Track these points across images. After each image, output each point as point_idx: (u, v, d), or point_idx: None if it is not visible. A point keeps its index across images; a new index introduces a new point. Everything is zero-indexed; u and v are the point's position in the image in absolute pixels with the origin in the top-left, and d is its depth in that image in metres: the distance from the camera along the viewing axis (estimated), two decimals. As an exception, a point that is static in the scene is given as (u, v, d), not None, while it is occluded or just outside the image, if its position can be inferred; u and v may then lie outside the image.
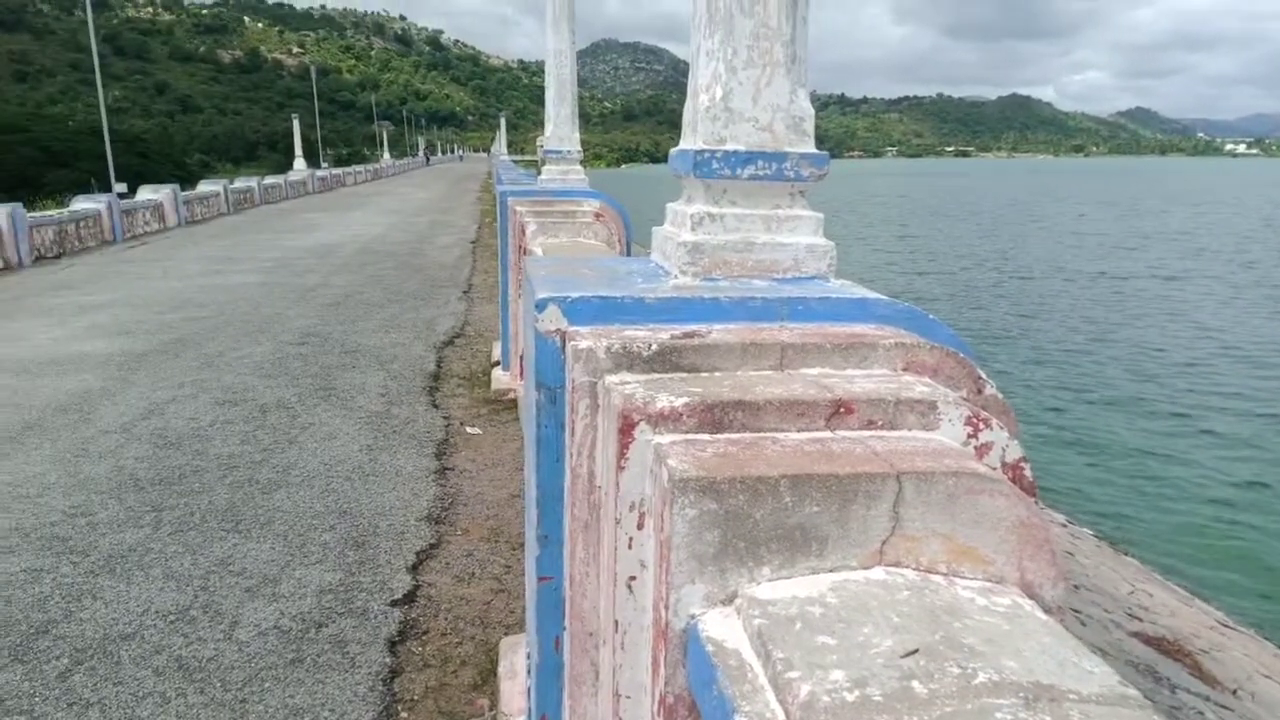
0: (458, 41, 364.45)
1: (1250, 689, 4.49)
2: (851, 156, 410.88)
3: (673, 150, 2.60)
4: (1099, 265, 33.00)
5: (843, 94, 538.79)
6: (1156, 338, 20.37)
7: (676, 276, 2.40)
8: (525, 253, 7.65)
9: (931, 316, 2.23)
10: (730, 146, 2.38)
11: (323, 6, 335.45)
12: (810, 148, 2.44)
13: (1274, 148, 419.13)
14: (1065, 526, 8.01)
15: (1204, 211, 63.69)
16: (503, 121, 77.02)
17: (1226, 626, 6.60)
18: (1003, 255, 36.17)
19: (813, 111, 2.45)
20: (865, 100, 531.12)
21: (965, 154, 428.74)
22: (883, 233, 47.81)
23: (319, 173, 43.47)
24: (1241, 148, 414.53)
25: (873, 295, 2.28)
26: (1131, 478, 11.68)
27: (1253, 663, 5.35)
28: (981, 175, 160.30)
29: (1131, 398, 15.49)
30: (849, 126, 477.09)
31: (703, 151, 2.37)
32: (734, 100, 2.37)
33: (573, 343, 1.97)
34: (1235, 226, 50.77)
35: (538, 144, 13.85)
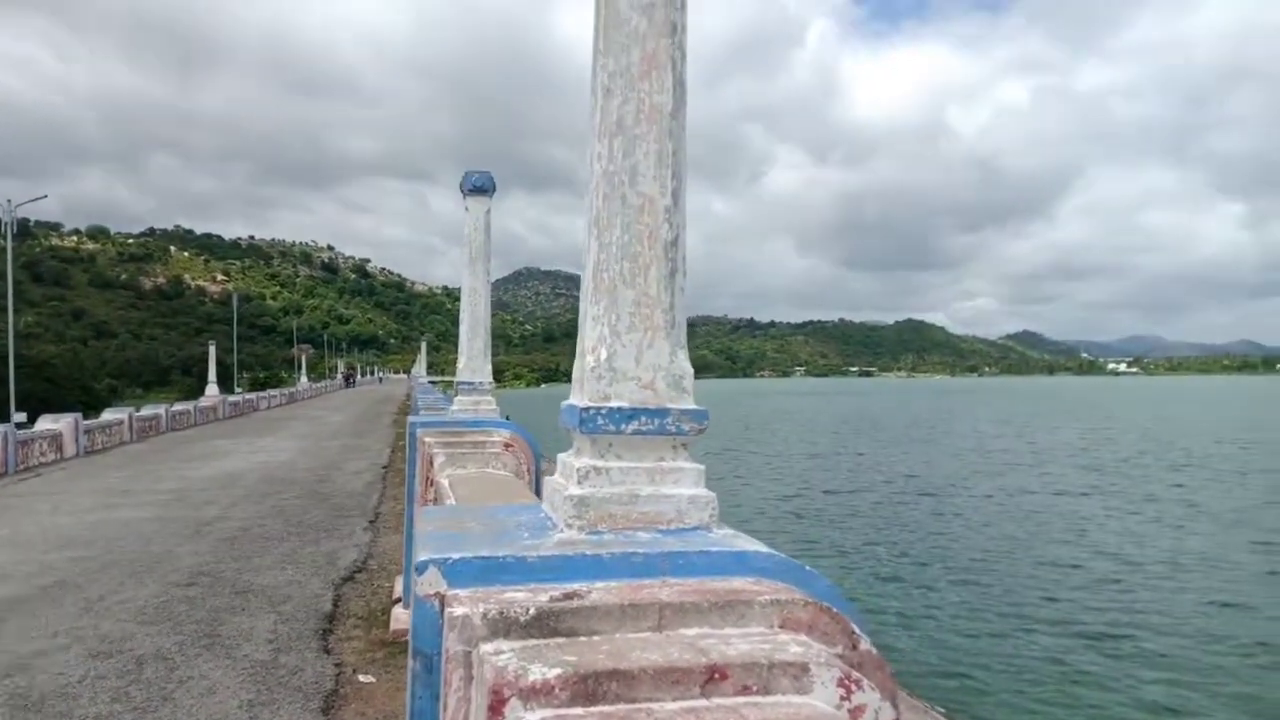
0: (384, 269, 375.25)
1: None
2: (762, 376, 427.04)
3: (563, 404, 2.71)
4: (999, 481, 34.18)
5: (752, 318, 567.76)
6: (1058, 552, 20.87)
7: (562, 530, 2.43)
8: (432, 484, 7.59)
9: (808, 568, 2.29)
10: (615, 403, 2.50)
11: (251, 238, 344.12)
12: (690, 404, 2.57)
13: (1151, 366, 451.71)
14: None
15: (1093, 427, 67.35)
16: (423, 345, 78.32)
17: None
18: (907, 472, 37.23)
19: (691, 370, 2.62)
20: (773, 324, 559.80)
21: (868, 374, 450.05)
22: (795, 449, 48.97)
23: (231, 398, 42.88)
24: (1122, 366, 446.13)
25: (751, 547, 2.34)
26: (1041, 694, 11.57)
27: None
28: (884, 394, 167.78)
29: (1038, 616, 15.63)
30: (759, 348, 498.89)
31: (589, 408, 2.48)
32: (618, 361, 2.51)
33: (450, 609, 1.95)
34: (1121, 440, 53.67)
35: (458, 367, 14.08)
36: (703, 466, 2.59)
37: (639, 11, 2.54)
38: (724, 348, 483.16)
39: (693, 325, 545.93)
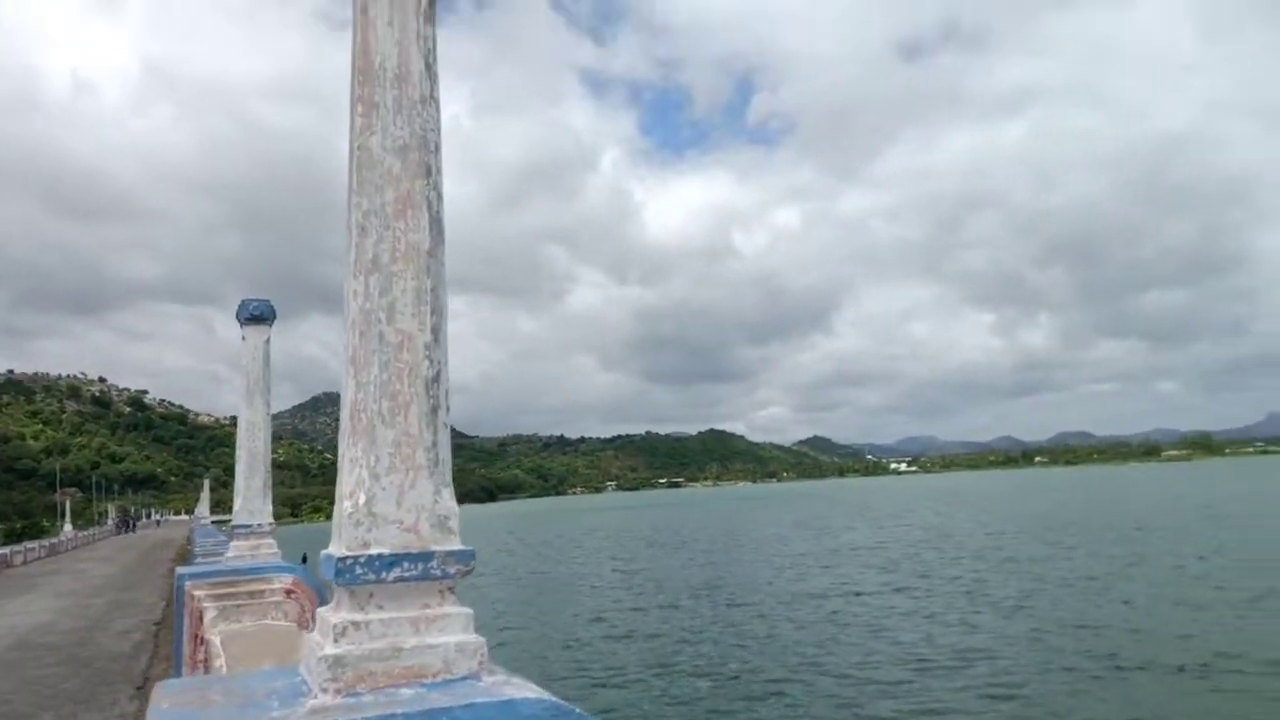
0: (163, 401, 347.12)
1: None
2: (575, 493, 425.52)
3: (321, 553, 2.55)
4: (801, 584, 35.36)
5: (562, 435, 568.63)
6: (856, 655, 21.66)
7: (316, 695, 2.25)
8: (203, 642, 6.91)
9: (579, 711, 2.23)
10: (375, 550, 2.38)
11: (10, 372, 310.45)
12: (456, 544, 2.49)
13: (928, 464, 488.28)
14: None
15: (882, 525, 71.49)
16: (206, 484, 72.39)
17: None
18: (716, 583, 37.80)
19: (457, 509, 2.55)
20: (584, 439, 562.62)
21: (676, 484, 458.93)
22: (605, 566, 48.66)
23: (-27, 554, 37.62)
24: (903, 466, 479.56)
25: (521, 694, 2.25)
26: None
27: None
28: (693, 504, 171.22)
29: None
30: (570, 465, 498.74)
31: (346, 557, 2.35)
32: (378, 504, 2.41)
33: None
34: (908, 537, 57.22)
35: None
36: (470, 610, 2.50)
37: (393, 154, 2.57)
38: (536, 466, 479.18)
39: (504, 445, 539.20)
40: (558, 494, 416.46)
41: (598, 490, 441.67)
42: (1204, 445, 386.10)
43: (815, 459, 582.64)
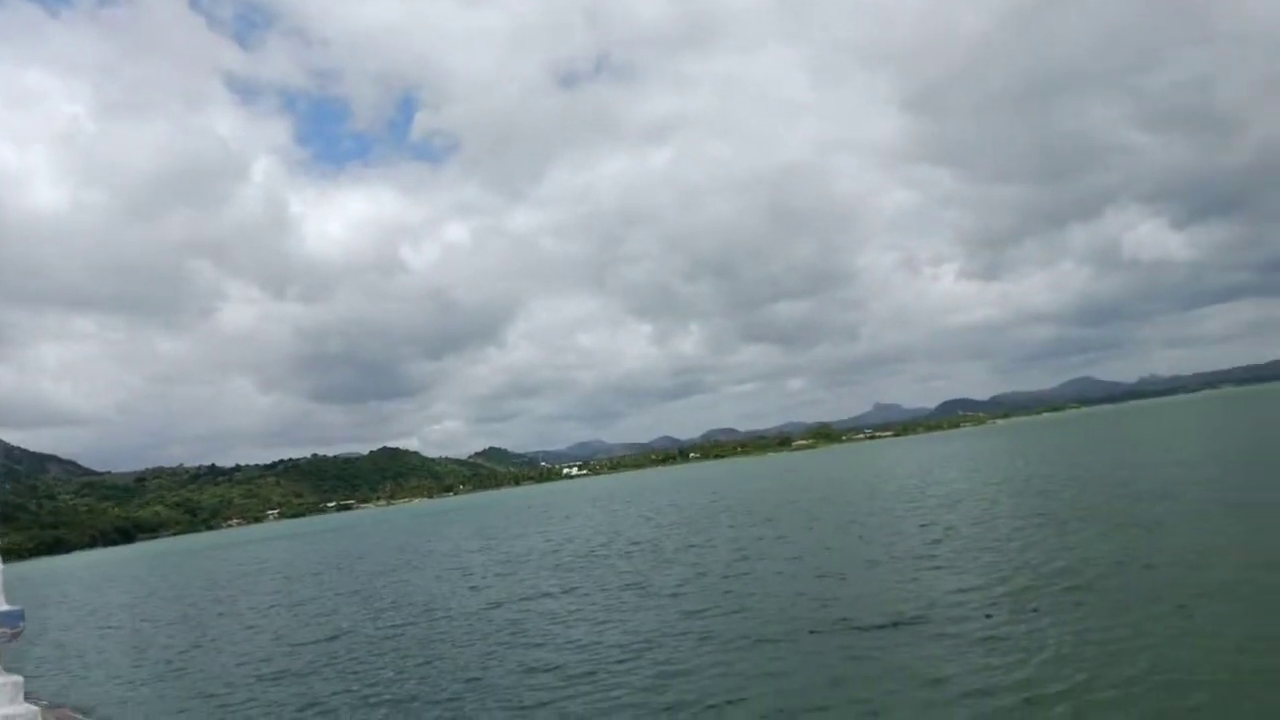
0: None
1: None
2: (230, 526, 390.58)
3: None
4: (477, 596, 35.36)
5: (214, 464, 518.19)
6: (537, 656, 22.11)
7: None
8: None
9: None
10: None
11: None
12: (2, 604, 2.19)
13: (597, 467, 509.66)
14: None
15: (553, 528, 73.49)
16: None
17: None
18: (393, 603, 36.66)
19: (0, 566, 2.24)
20: (239, 468, 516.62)
21: (347, 507, 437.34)
22: (268, 602, 45.15)
23: None
24: (574, 470, 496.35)
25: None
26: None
27: None
28: (365, 526, 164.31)
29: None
30: (224, 496, 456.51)
31: None
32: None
33: None
34: (578, 537, 59.37)
35: None
36: (20, 679, 2.24)
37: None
38: (182, 500, 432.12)
39: (142, 479, 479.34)
40: (209, 528, 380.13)
41: (257, 520, 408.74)
42: (825, 435, 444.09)
43: (491, 469, 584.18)
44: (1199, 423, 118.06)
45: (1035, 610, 19.76)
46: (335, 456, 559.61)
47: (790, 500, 70.29)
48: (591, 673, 19.17)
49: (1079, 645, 16.36)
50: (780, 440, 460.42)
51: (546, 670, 20.18)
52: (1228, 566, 20.99)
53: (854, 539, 37.17)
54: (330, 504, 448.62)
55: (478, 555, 56.47)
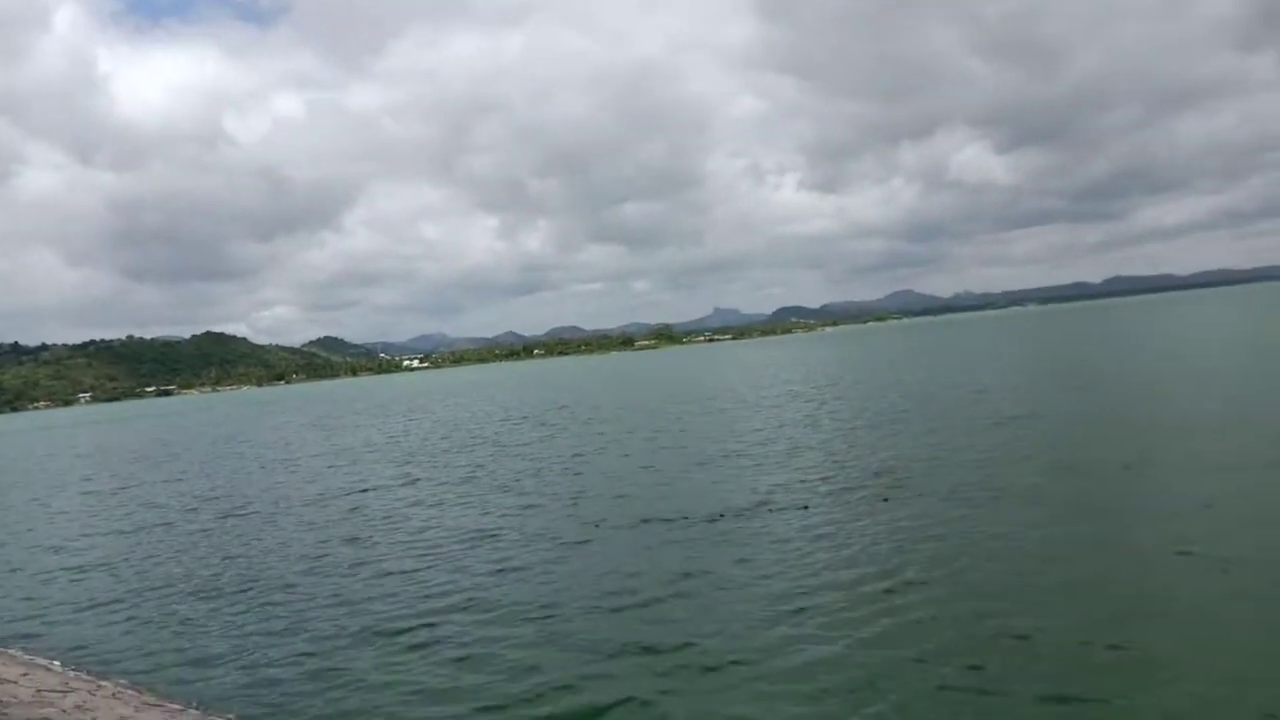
0: None
1: None
2: (37, 408, 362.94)
3: None
4: (313, 486, 34.59)
5: (16, 342, 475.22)
6: (371, 551, 21.98)
7: None
8: None
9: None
10: None
11: None
12: None
13: (440, 360, 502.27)
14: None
15: (394, 420, 72.35)
16: None
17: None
18: (215, 493, 35.34)
19: None
20: (45, 347, 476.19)
21: (167, 393, 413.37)
22: (70, 490, 42.46)
23: None
24: (415, 363, 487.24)
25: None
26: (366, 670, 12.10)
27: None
28: (189, 413, 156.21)
29: (351, 619, 16.29)
30: (29, 377, 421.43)
31: None
32: None
33: None
34: (426, 430, 58.81)
35: None
36: None
37: None
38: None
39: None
40: (14, 410, 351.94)
41: (67, 403, 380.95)
42: (667, 336, 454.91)
43: (327, 360, 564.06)
44: (1008, 338, 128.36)
45: (848, 503, 21.34)
46: (154, 339, 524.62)
47: (632, 399, 71.97)
48: (428, 567, 19.15)
49: (893, 536, 17.82)
50: (624, 340, 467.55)
51: (380, 563, 20.01)
52: (1031, 469, 23.24)
53: (691, 438, 38.56)
54: (149, 389, 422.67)
55: (312, 447, 54.96)
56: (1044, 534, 16.83)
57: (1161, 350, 65.10)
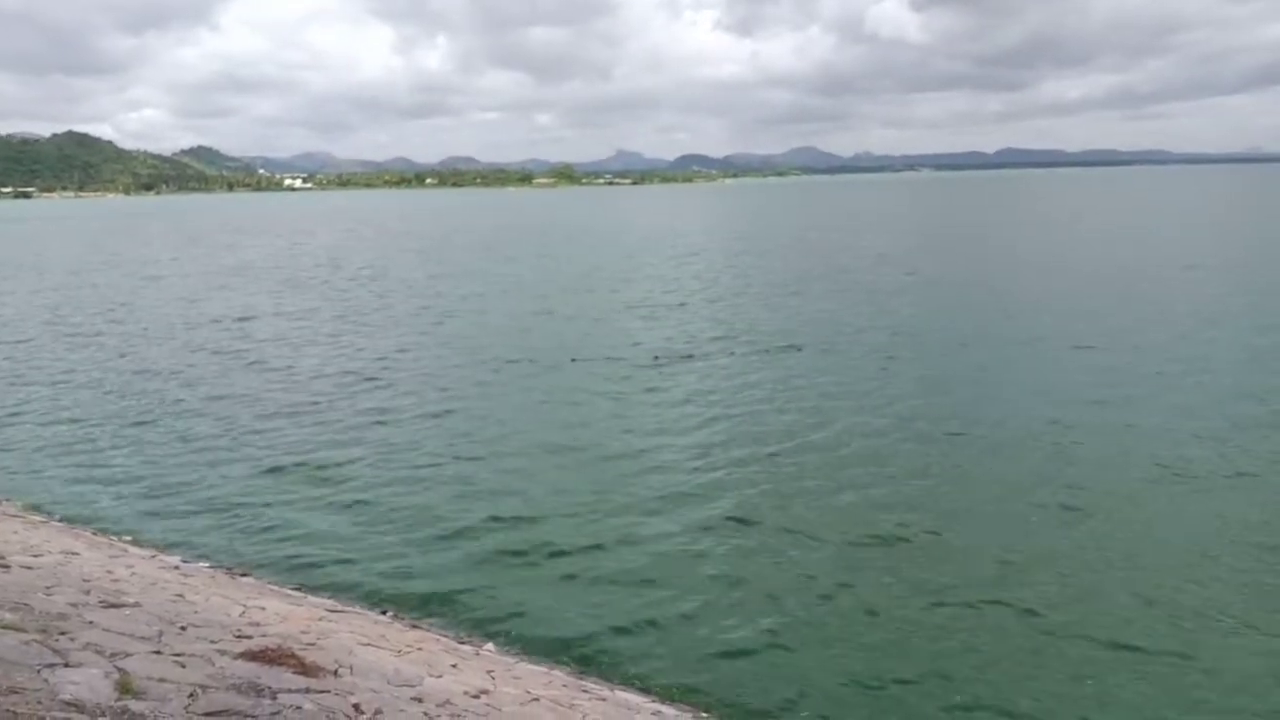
0: None
1: (350, 663, 5.39)
2: None
3: None
4: (191, 309, 33.60)
5: None
6: (251, 382, 21.84)
7: None
8: None
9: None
10: None
11: None
12: None
13: (324, 182, 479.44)
14: (177, 569, 8.19)
15: (277, 241, 69.72)
16: None
17: (335, 611, 7.69)
18: (69, 310, 33.84)
19: None
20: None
21: (26, 194, 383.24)
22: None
23: None
24: (298, 182, 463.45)
25: None
26: (245, 515, 12.44)
27: (355, 637, 6.38)
28: (48, 219, 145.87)
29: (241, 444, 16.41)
30: None
31: None
32: None
33: None
34: (312, 254, 57.02)
35: None
36: None
37: None
38: None
39: None
40: None
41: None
42: (567, 175, 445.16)
43: (201, 171, 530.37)
44: (908, 203, 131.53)
45: (733, 354, 22.41)
46: (9, 136, 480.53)
47: (531, 239, 71.18)
48: (322, 403, 18.83)
49: (781, 383, 19.01)
50: (522, 176, 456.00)
51: (264, 397, 19.68)
52: (927, 333, 24.72)
53: (589, 284, 38.94)
54: (4, 189, 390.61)
55: (188, 265, 52.72)
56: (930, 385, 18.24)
57: (1051, 225, 68.46)
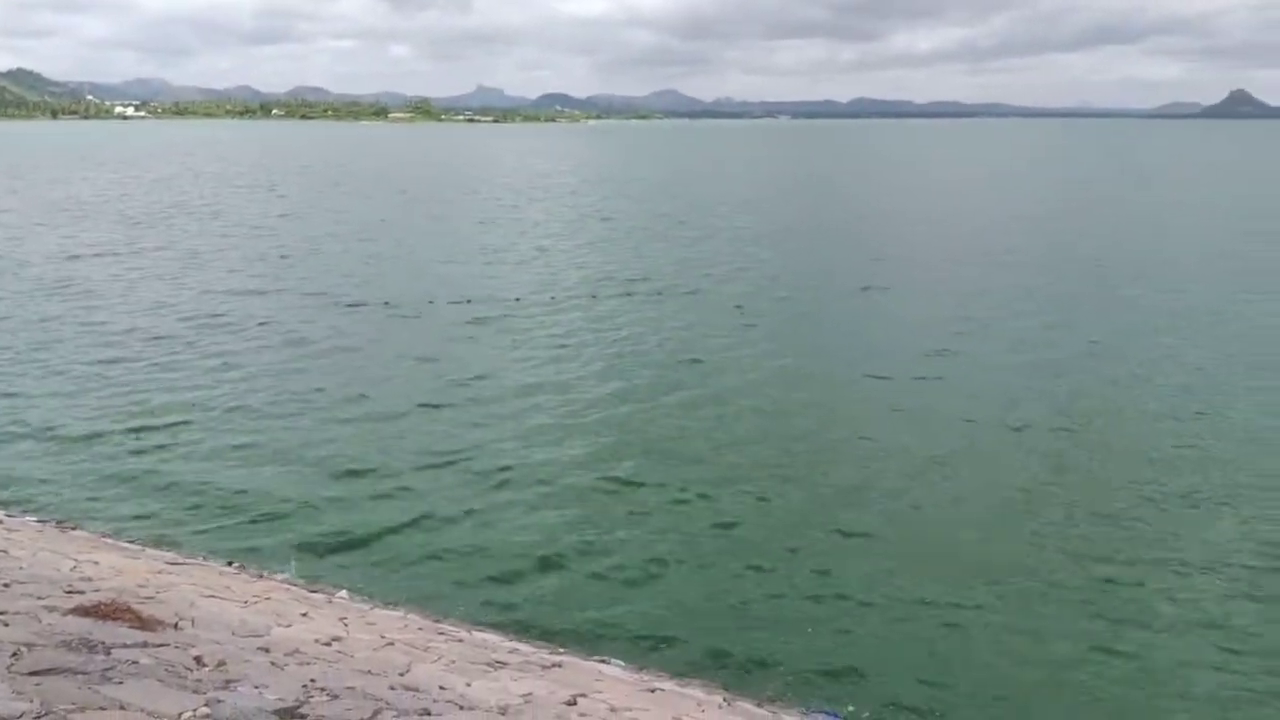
0: None
1: (192, 615, 5.27)
2: None
3: None
4: (23, 248, 30.93)
5: None
6: (107, 318, 20.44)
7: None
8: None
9: None
10: None
11: None
12: None
13: (159, 110, 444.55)
14: (1, 523, 7.74)
15: (107, 173, 64.51)
16: None
17: (176, 564, 7.45)
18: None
19: None
20: None
21: None
22: None
23: None
24: (131, 110, 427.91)
25: None
26: (80, 464, 11.76)
27: (198, 589, 6.23)
28: None
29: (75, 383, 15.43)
30: None
31: None
32: None
33: None
34: (145, 189, 53.00)
35: None
36: None
37: None
38: None
39: None
40: None
41: None
42: (425, 111, 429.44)
43: (20, 97, 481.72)
44: (770, 149, 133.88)
45: (595, 297, 22.59)
46: None
47: (387, 177, 68.45)
48: (153, 349, 17.78)
49: (644, 327, 19.37)
50: (376, 110, 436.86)
51: (97, 344, 18.34)
52: (786, 278, 25.51)
53: (449, 225, 38.05)
54: None
55: (9, 200, 48.06)
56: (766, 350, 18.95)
57: (906, 173, 71.51)
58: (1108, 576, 9.12)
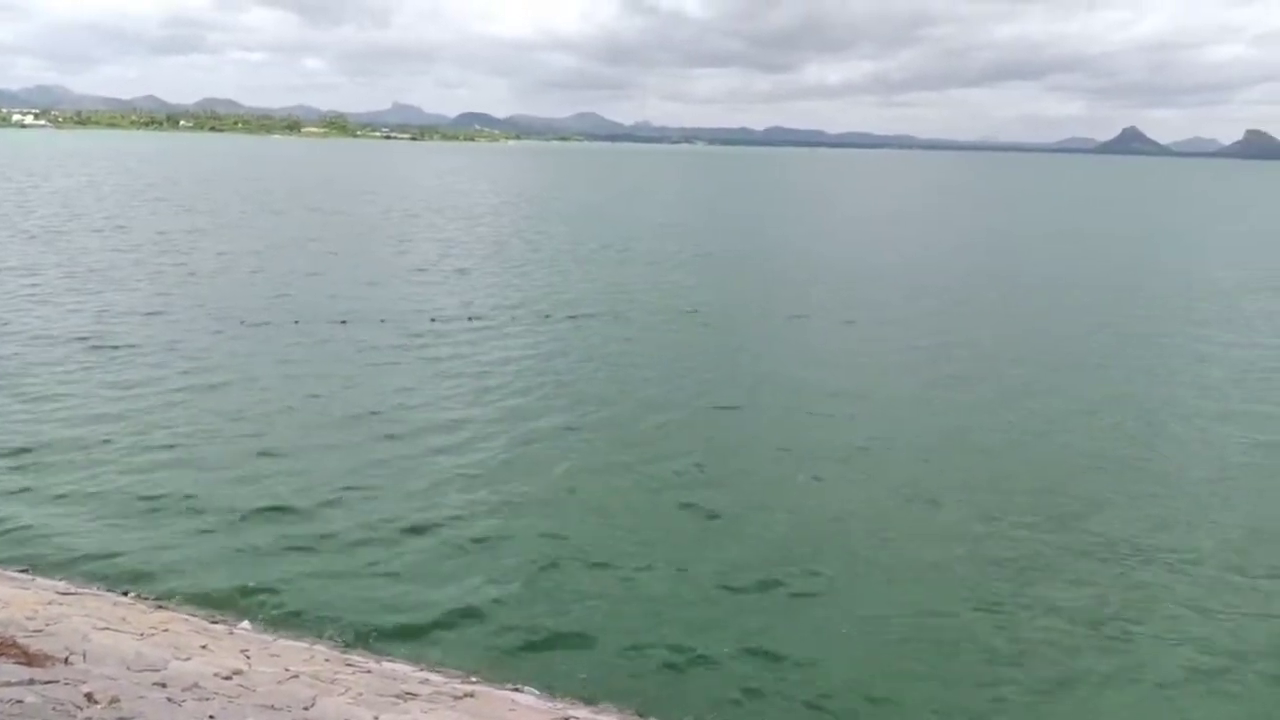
0: None
1: (84, 649, 5.05)
2: None
3: None
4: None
5: None
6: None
7: None
8: None
9: None
10: None
11: None
12: None
13: (60, 119, 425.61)
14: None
15: (20, 180, 61.42)
16: None
17: (68, 594, 7.12)
18: None
19: None
20: None
21: None
22: None
23: None
24: (30, 119, 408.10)
25: None
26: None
27: (91, 621, 5.97)
28: None
29: None
30: None
31: None
32: None
33: None
34: (44, 202, 50.51)
35: None
36: None
37: None
38: None
39: None
40: None
41: None
42: (340, 126, 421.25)
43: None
44: (690, 175, 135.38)
45: (550, 318, 22.76)
46: None
47: (300, 193, 66.80)
48: (48, 372, 17.16)
49: (561, 351, 19.32)
50: (289, 124, 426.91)
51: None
52: (706, 306, 25.73)
53: (365, 244, 37.37)
54: None
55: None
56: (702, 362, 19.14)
57: (813, 202, 73.23)
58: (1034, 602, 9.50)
